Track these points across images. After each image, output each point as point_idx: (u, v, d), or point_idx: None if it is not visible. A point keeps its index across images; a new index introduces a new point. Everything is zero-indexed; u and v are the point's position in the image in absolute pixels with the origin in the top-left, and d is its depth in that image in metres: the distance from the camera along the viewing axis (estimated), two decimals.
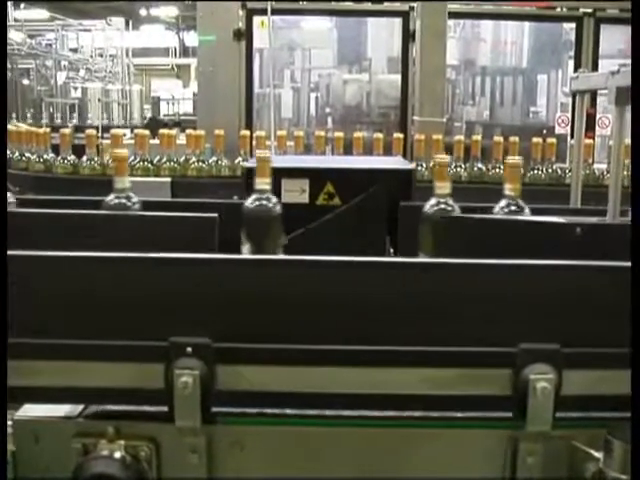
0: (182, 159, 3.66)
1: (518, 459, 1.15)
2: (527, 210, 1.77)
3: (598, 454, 1.12)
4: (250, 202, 1.81)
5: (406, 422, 1.18)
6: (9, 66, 13.19)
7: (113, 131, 3.79)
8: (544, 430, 1.11)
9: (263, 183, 1.80)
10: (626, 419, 1.11)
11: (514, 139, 3.44)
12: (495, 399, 1.13)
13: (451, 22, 6.81)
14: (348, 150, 3.43)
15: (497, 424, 1.16)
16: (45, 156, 3.91)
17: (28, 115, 12.62)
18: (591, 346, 1.13)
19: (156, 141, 3.83)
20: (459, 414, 1.18)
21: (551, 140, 3.45)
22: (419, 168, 3.48)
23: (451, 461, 1.17)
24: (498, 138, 3.48)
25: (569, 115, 6.13)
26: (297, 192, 2.11)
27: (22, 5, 15.25)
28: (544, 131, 6.71)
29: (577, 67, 6.32)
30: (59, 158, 3.84)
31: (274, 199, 1.83)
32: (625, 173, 3.01)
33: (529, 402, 1.09)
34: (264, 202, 1.81)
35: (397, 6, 6.51)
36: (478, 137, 3.65)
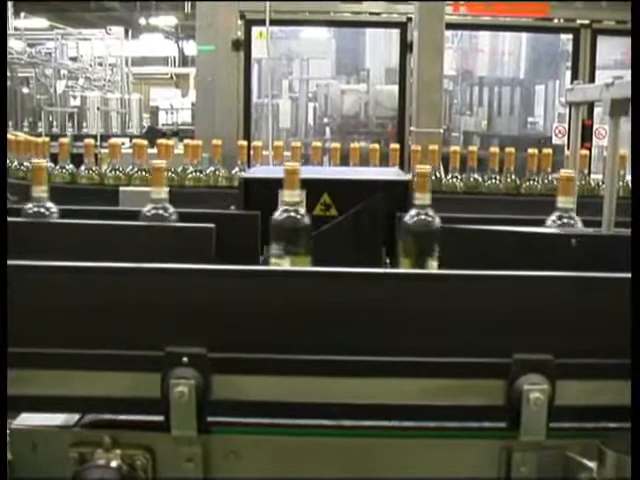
0: (180, 169, 3.66)
1: (512, 469, 1.16)
2: (580, 224, 1.81)
3: (591, 464, 1.13)
4: (146, 210, 1.83)
5: (401, 432, 1.18)
6: (9, 74, 13.21)
7: (111, 140, 3.79)
8: (537, 440, 1.11)
9: (159, 192, 1.82)
10: (619, 429, 1.12)
11: (510, 150, 3.44)
12: (489, 409, 1.14)
13: (449, 33, 6.85)
14: (345, 161, 3.43)
15: (491, 434, 1.17)
16: None
17: (25, 124, 12.64)
18: (586, 357, 1.13)
19: (154, 150, 3.83)
20: (453, 424, 1.19)
21: (547, 151, 3.45)
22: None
23: (445, 470, 1.18)
24: (494, 149, 3.49)
25: (566, 125, 6.16)
26: None
27: (22, 14, 15.28)
28: (541, 141, 6.74)
29: (574, 78, 6.36)
30: (57, 167, 3.84)
31: (171, 209, 1.84)
32: (620, 184, 3.03)
33: (523, 412, 1.10)
34: (160, 211, 1.83)
35: (395, 17, 6.55)
36: (474, 148, 3.65)
